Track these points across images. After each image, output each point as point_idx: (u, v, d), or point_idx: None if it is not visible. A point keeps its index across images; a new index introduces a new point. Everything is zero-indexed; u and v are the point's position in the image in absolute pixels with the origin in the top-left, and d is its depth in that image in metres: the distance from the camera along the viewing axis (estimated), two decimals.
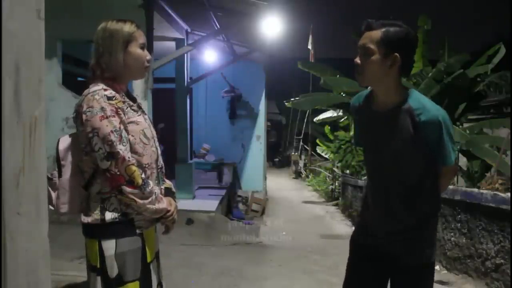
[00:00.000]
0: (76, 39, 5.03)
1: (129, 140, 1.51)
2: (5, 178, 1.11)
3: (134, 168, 1.46)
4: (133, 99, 1.65)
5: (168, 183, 1.75)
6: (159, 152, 1.67)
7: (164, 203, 1.58)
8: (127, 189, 1.45)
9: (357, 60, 1.56)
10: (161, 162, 1.68)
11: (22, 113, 1.15)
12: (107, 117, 1.44)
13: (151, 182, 1.53)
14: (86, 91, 1.51)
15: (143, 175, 1.50)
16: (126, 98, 1.59)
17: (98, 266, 1.50)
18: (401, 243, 1.65)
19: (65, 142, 1.59)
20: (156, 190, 1.55)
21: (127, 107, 1.55)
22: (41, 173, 1.23)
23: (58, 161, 1.58)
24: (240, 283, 3.64)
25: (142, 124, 1.57)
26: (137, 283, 1.52)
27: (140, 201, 1.48)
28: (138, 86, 4.50)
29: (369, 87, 1.71)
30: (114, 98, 1.49)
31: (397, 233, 1.65)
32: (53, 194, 1.57)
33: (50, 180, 1.56)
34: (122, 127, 1.48)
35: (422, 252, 1.64)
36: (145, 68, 1.63)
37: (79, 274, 2.93)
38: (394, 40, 1.49)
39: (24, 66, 1.15)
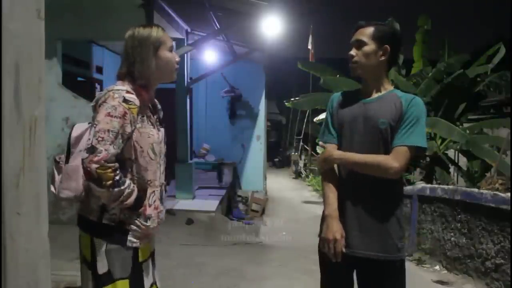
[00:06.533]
0: (76, 39, 5.03)
1: (136, 149, 1.51)
2: (5, 178, 1.11)
3: (106, 170, 1.41)
4: (156, 112, 1.67)
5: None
6: (162, 169, 1.66)
7: (133, 197, 1.51)
8: (95, 187, 1.43)
9: (352, 52, 1.71)
10: (162, 179, 1.66)
11: (22, 113, 1.14)
12: (111, 116, 1.44)
13: (126, 182, 1.47)
14: (111, 87, 1.53)
15: (117, 177, 1.44)
16: (147, 109, 1.59)
17: (90, 259, 1.52)
18: (366, 235, 1.64)
19: (79, 129, 1.59)
20: (131, 187, 1.49)
21: (144, 117, 1.55)
22: (41, 173, 1.22)
23: (68, 147, 1.58)
24: (240, 283, 3.64)
25: (153, 138, 1.57)
26: (126, 282, 1.52)
27: (106, 200, 1.46)
28: None
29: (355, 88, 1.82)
30: (130, 103, 1.48)
31: (362, 222, 1.65)
32: (57, 178, 1.58)
33: (57, 163, 1.58)
34: (121, 131, 1.45)
35: (387, 245, 1.64)
36: (175, 69, 1.65)
37: (79, 274, 2.92)
38: (384, 34, 1.68)
39: (24, 66, 1.15)
